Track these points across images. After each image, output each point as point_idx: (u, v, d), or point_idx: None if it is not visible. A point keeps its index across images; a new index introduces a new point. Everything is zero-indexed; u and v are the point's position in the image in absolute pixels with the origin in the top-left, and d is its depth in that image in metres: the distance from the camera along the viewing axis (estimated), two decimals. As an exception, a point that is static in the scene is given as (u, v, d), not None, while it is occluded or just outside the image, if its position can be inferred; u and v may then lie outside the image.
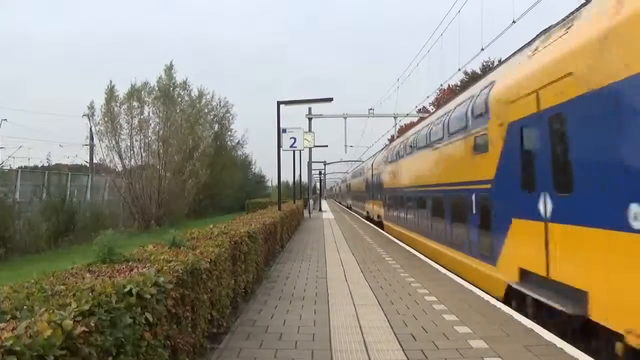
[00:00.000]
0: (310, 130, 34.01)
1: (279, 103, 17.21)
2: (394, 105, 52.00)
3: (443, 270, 10.54)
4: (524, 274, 6.99)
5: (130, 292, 3.01)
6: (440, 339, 5.63)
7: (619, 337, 4.73)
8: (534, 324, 6.19)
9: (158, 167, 33.68)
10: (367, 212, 32.63)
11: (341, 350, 5.27)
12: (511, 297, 7.44)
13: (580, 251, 5.51)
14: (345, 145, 42.15)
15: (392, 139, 34.44)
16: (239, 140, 62.99)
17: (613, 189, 4.93)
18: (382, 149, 29.32)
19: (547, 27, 7.37)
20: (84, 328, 2.35)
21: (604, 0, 5.64)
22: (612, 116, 4.98)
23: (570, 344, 5.32)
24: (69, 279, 3.44)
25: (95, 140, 33.42)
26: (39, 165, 31.38)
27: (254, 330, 6.11)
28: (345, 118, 39.13)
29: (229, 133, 59.85)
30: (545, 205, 6.30)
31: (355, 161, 57.58)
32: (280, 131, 17.73)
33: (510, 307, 7.09)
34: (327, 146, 66.34)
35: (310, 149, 35.05)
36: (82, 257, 4.92)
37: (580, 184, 5.59)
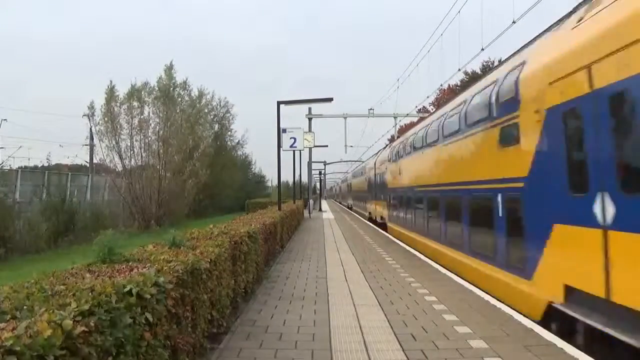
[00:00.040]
0: (310, 130, 34.02)
1: (279, 103, 17.22)
2: (394, 105, 52.26)
3: (443, 270, 10.53)
4: (571, 292, 5.71)
5: (130, 292, 3.01)
6: (440, 339, 5.63)
7: None
8: (534, 324, 6.10)
9: (158, 167, 33.66)
10: (370, 213, 30.88)
11: (341, 350, 5.27)
12: (552, 318, 6.17)
13: None
14: (345, 145, 42.21)
15: (392, 139, 34.27)
16: (239, 140, 63.21)
17: None
18: (385, 146, 27.71)
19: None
20: (83, 328, 2.36)
21: None
22: None
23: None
24: (69, 279, 3.44)
25: (95, 140, 33.44)
26: (39, 165, 31.45)
27: (254, 330, 6.11)
28: (345, 118, 39.12)
29: (229, 133, 60.05)
30: (604, 208, 5.06)
31: (356, 161, 57.60)
32: (280, 131, 17.74)
33: (549, 331, 5.88)
34: (327, 146, 66.64)
35: (310, 149, 35.08)
36: (82, 257, 4.93)
37: None
